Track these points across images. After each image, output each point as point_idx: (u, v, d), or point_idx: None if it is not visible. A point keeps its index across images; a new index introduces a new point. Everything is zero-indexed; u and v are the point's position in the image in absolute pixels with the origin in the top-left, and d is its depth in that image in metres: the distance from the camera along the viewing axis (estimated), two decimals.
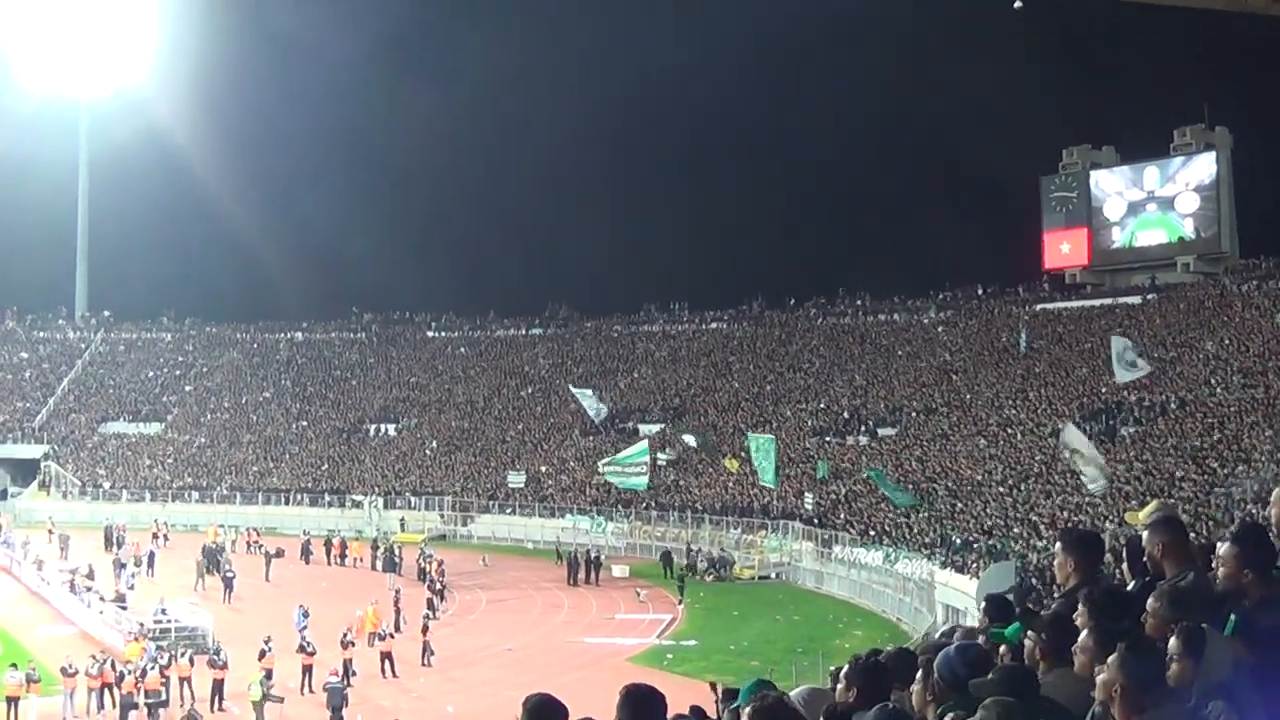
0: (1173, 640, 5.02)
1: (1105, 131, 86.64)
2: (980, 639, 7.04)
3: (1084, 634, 5.47)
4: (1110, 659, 4.96)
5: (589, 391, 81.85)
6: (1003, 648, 6.43)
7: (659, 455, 72.20)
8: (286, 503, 79.88)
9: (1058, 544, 6.93)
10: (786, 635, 45.92)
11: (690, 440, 72.74)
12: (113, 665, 36.18)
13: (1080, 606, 5.94)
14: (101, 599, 46.65)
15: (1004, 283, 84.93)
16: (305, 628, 41.78)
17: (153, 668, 35.45)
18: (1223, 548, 5.87)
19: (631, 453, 68.82)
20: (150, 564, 58.77)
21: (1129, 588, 6.83)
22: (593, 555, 60.11)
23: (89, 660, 36.35)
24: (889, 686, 6.45)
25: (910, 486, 58.70)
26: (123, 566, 56.05)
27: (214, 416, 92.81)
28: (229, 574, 53.69)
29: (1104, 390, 61.60)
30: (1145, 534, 6.44)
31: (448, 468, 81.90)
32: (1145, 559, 6.45)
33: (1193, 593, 5.67)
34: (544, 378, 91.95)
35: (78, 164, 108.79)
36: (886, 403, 74.00)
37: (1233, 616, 5.40)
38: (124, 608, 45.39)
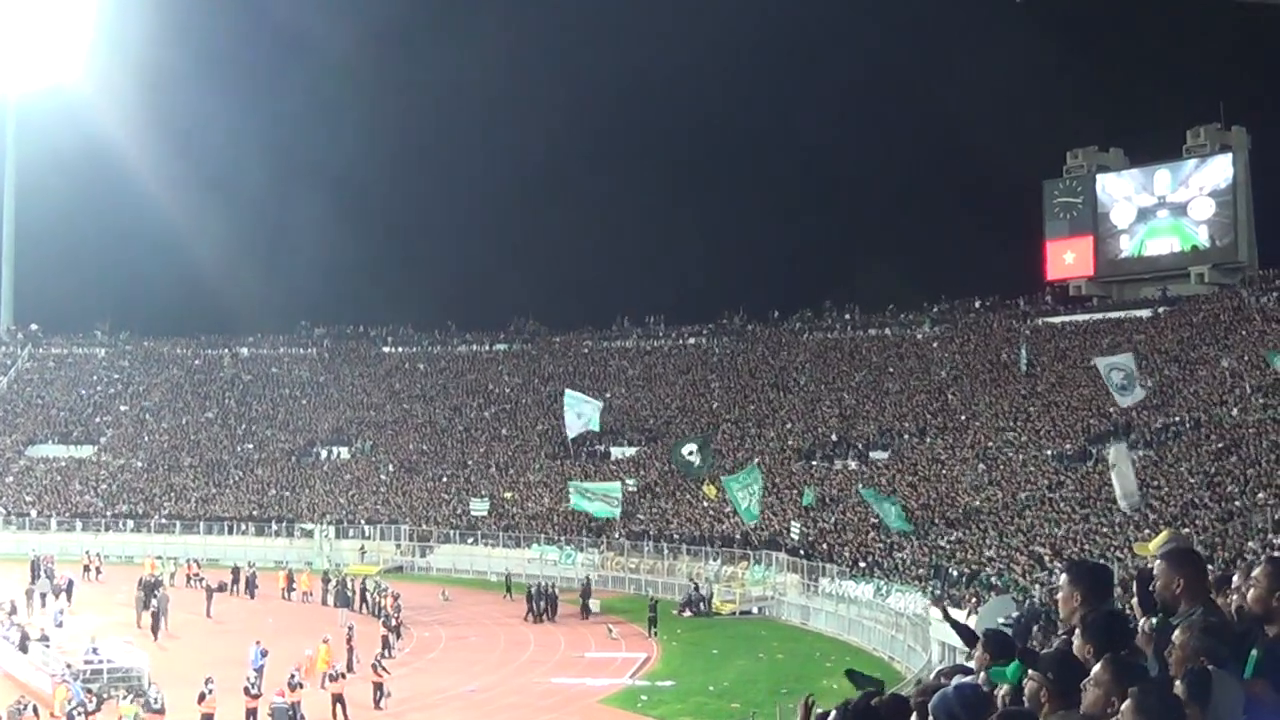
0: (1178, 687, 5.03)
1: (1113, 132, 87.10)
2: (980, 677, 6.94)
3: (1098, 667, 5.38)
4: (1125, 705, 4.91)
5: (582, 396, 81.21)
6: (1003, 688, 6.32)
7: (627, 481, 72.25)
8: (230, 532, 79.45)
9: (1063, 575, 6.84)
10: (770, 675, 45.81)
11: (692, 454, 71.98)
12: (35, 711, 35.75)
13: (1077, 633, 5.89)
14: (24, 637, 46.14)
15: (1003, 295, 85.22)
16: (262, 667, 41.43)
17: (79, 715, 35.08)
18: (1256, 569, 5.89)
19: (605, 486, 68.88)
20: (69, 593, 58.45)
21: (1141, 624, 6.75)
22: (549, 589, 59.65)
23: (12, 706, 35.89)
24: None
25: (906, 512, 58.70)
26: (42, 597, 55.75)
27: (152, 438, 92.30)
28: (154, 609, 52.83)
29: (1112, 410, 61.69)
30: (1159, 566, 6.34)
31: (405, 494, 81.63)
32: (1155, 594, 6.37)
33: (1223, 625, 5.63)
34: (509, 397, 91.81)
35: (3, 164, 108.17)
36: (878, 424, 74.08)
37: (1254, 653, 5.38)
38: (46, 646, 44.95)
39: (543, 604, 58.39)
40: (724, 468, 72.05)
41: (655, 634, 53.67)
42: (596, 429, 77.30)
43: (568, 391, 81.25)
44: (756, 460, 67.99)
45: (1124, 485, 45.64)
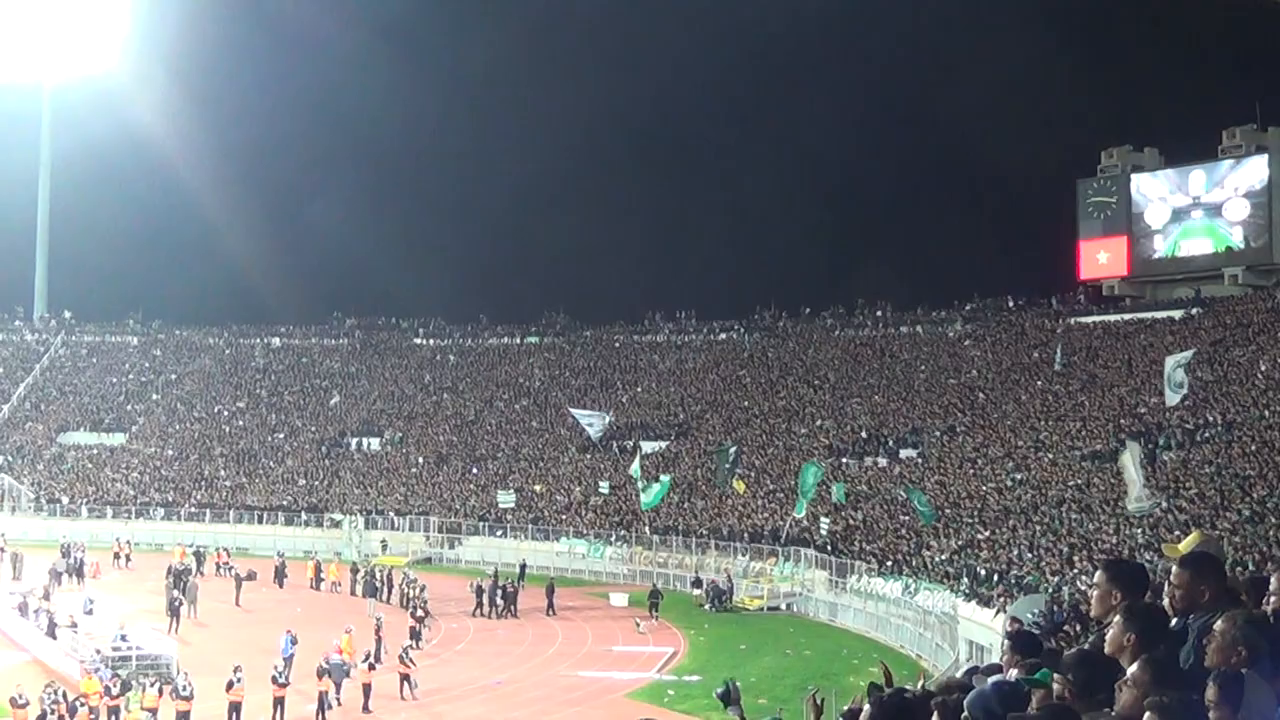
0: (1210, 689, 4.97)
1: (1148, 132, 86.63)
2: (1010, 676, 6.87)
3: (1135, 667, 5.31)
4: (1147, 715, 4.87)
5: (587, 412, 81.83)
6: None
7: (662, 478, 72.22)
8: (260, 521, 79.66)
9: (1099, 573, 6.74)
10: (797, 671, 45.68)
11: (729, 453, 71.88)
12: (65, 697, 35.85)
13: (1118, 619, 5.81)
14: (52, 624, 46.31)
15: (1036, 294, 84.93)
16: (291, 657, 41.50)
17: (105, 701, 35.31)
18: None
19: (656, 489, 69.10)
20: (80, 573, 59.10)
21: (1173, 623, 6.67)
22: (509, 585, 58.82)
23: (42, 693, 35.97)
24: None
25: (938, 511, 58.54)
26: (59, 576, 56.25)
27: (183, 427, 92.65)
28: (176, 601, 51.92)
29: (1144, 411, 61.41)
30: (1179, 573, 6.22)
31: (434, 485, 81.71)
32: (1174, 599, 6.24)
33: (1264, 619, 5.58)
34: (539, 390, 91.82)
35: (39, 154, 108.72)
36: (908, 422, 73.84)
37: None
38: (75, 632, 45.13)
39: (497, 599, 57.64)
40: (751, 465, 72.03)
41: (656, 617, 55.08)
42: (597, 439, 79.38)
43: (571, 410, 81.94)
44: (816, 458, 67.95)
45: (1133, 488, 45.69)
